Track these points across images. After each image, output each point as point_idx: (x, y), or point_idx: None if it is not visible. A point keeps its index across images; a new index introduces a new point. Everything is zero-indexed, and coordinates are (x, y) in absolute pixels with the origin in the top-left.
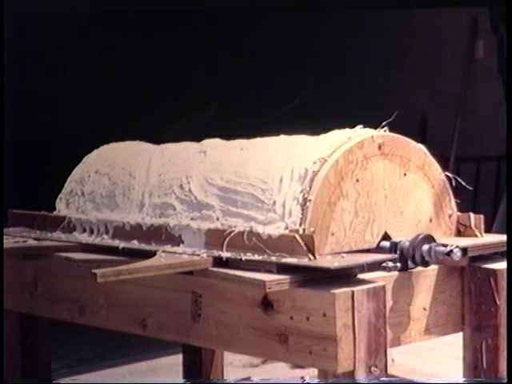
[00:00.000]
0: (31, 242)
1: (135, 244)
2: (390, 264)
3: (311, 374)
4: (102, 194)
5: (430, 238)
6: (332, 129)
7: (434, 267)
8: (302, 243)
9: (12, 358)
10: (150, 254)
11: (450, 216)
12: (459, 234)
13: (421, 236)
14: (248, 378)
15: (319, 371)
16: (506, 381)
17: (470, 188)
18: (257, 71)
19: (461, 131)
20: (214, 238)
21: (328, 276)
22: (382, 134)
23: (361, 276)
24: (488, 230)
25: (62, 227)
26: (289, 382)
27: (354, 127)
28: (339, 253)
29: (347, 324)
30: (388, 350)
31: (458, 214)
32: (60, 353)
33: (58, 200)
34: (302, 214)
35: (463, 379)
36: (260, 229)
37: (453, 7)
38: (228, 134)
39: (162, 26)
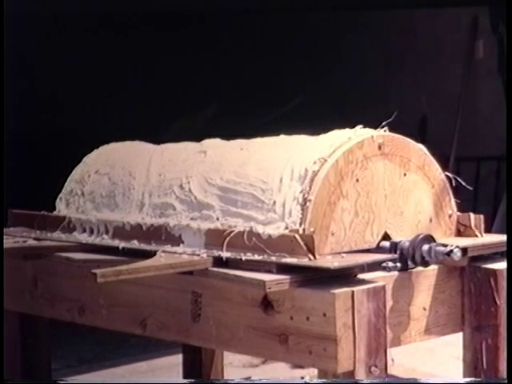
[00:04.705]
0: (31, 242)
1: (135, 244)
2: (390, 264)
3: (311, 373)
4: (102, 194)
5: (429, 238)
6: (332, 129)
7: (434, 267)
8: (302, 243)
9: (12, 358)
10: (150, 254)
11: (450, 216)
12: (459, 234)
13: (421, 236)
14: (248, 378)
15: (319, 371)
16: (506, 381)
17: (470, 188)
18: (257, 71)
19: (461, 131)
20: (214, 238)
21: (328, 276)
22: (382, 134)
23: (361, 276)
24: (488, 230)
25: (62, 227)
26: (289, 382)
27: (354, 127)
28: (339, 253)
29: (347, 324)
30: (388, 350)
31: (458, 214)
32: (60, 353)
33: (58, 200)
34: (302, 214)
35: (463, 379)
36: (260, 229)
37: (453, 7)
38: (228, 134)
39: (162, 26)
